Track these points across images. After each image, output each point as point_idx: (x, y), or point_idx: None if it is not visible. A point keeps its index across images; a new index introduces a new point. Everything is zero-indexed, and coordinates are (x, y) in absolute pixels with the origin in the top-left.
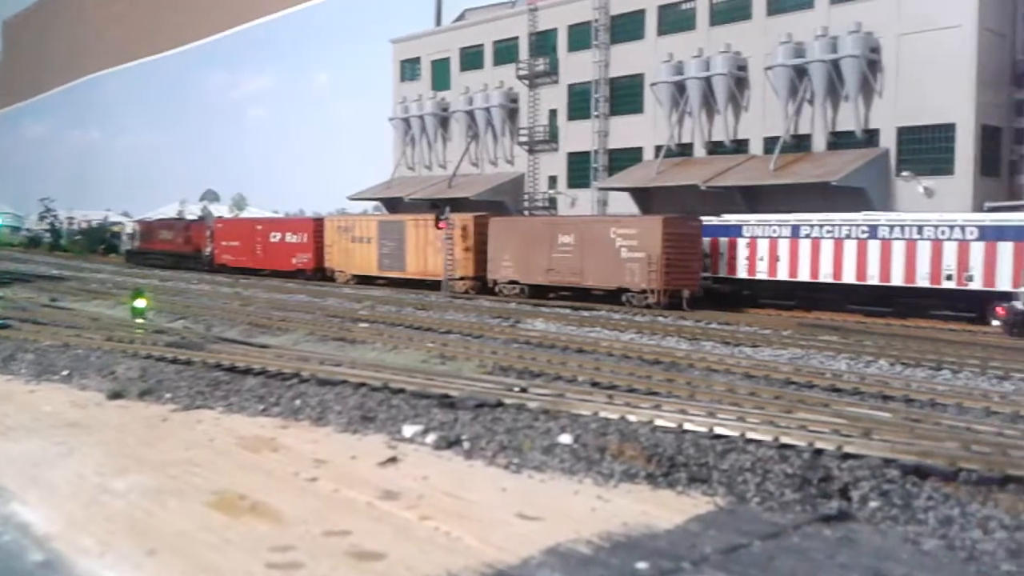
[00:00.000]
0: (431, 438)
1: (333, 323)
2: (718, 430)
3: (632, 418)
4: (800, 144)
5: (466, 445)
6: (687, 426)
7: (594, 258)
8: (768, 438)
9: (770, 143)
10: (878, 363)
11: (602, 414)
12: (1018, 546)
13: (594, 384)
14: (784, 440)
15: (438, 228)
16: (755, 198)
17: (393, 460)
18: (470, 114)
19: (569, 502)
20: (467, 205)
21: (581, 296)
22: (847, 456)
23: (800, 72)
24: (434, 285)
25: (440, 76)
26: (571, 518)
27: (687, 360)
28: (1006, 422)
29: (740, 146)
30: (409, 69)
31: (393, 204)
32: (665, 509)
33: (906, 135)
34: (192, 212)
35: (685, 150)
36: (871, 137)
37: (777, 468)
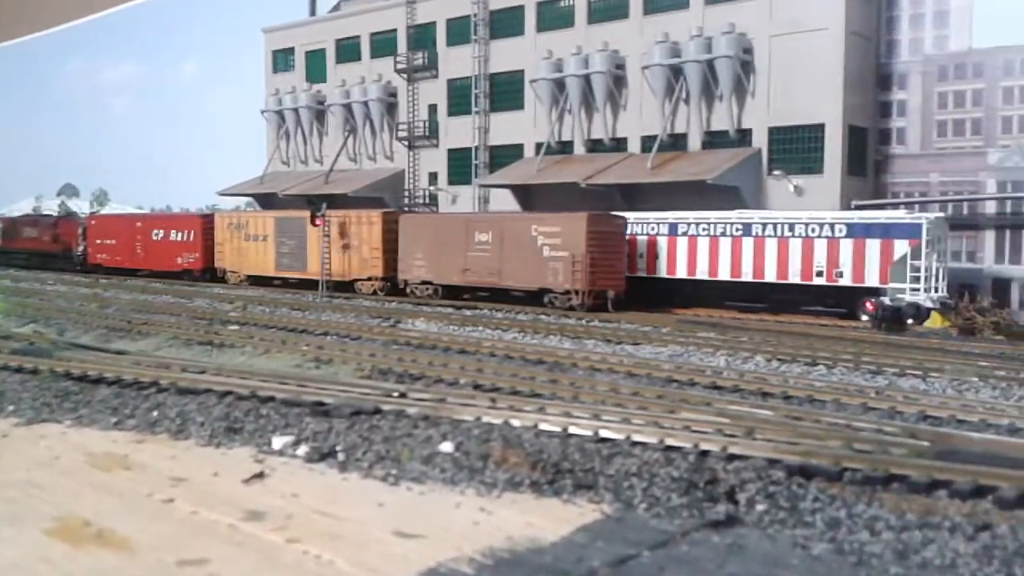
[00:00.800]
0: (303, 450)
1: (200, 326)
2: (603, 433)
3: (516, 423)
4: (677, 143)
5: (341, 457)
6: (572, 430)
7: (514, 257)
8: (654, 440)
9: (648, 142)
10: (755, 359)
11: (485, 419)
12: (905, 547)
13: (476, 387)
14: (669, 442)
15: (314, 225)
16: (634, 196)
17: (260, 476)
18: (347, 108)
19: (450, 516)
20: (345, 202)
21: (500, 297)
22: (732, 457)
23: (676, 72)
24: (340, 287)
25: (315, 68)
26: (452, 534)
27: (570, 360)
28: (884, 418)
29: (619, 144)
30: (282, 60)
31: (267, 200)
32: (551, 520)
33: (777, 135)
34: (49, 208)
35: (566, 147)
36: (744, 137)
37: (663, 472)
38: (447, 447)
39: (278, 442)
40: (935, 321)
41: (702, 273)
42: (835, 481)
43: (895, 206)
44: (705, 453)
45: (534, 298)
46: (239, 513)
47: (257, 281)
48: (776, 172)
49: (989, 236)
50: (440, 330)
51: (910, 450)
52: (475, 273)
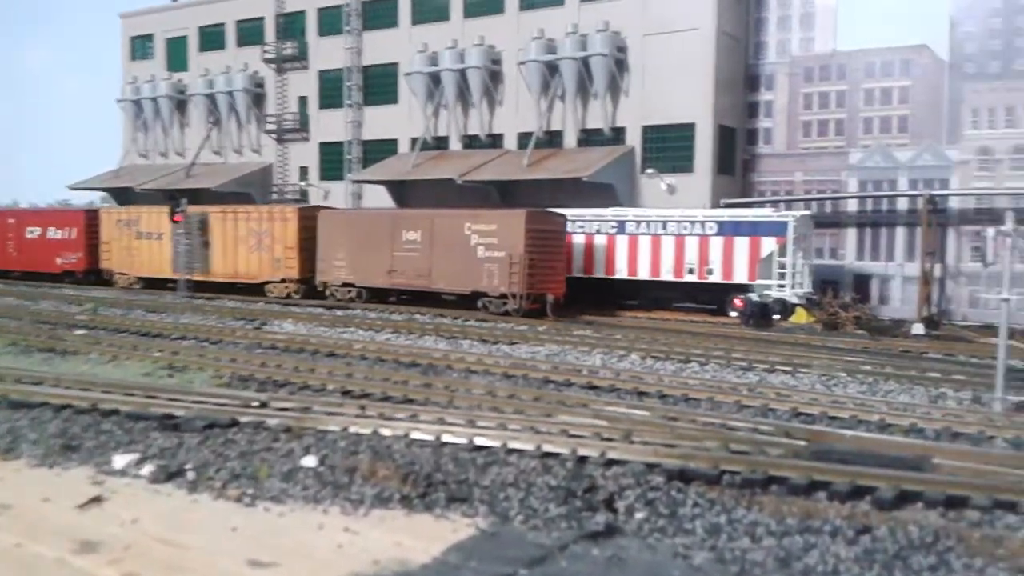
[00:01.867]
0: (147, 469)
1: (43, 330)
2: (478, 441)
3: (386, 432)
4: (553, 140)
5: (190, 476)
6: (446, 438)
7: (445, 257)
8: (530, 447)
9: (524, 138)
10: (630, 357)
11: (353, 429)
12: (787, 554)
13: (345, 393)
14: (547, 448)
15: (174, 222)
16: (510, 193)
17: (97, 500)
18: (211, 98)
19: (312, 539)
20: (208, 196)
21: (430, 301)
22: (611, 462)
23: (552, 68)
24: (250, 290)
25: (176, 56)
26: (313, 560)
27: (445, 361)
28: (758, 416)
29: (496, 141)
30: (140, 47)
31: (123, 195)
32: (422, 538)
33: (650, 134)
34: None
35: (441, 143)
36: (619, 135)
37: (541, 480)
38: (310, 461)
39: (120, 461)
40: (800, 316)
41: (578, 271)
42: (714, 484)
43: (762, 204)
44: (583, 459)
45: (467, 302)
46: (70, 544)
47: (152, 284)
48: (649, 170)
49: (851, 234)
50: (309, 332)
51: (787, 450)
52: (402, 275)
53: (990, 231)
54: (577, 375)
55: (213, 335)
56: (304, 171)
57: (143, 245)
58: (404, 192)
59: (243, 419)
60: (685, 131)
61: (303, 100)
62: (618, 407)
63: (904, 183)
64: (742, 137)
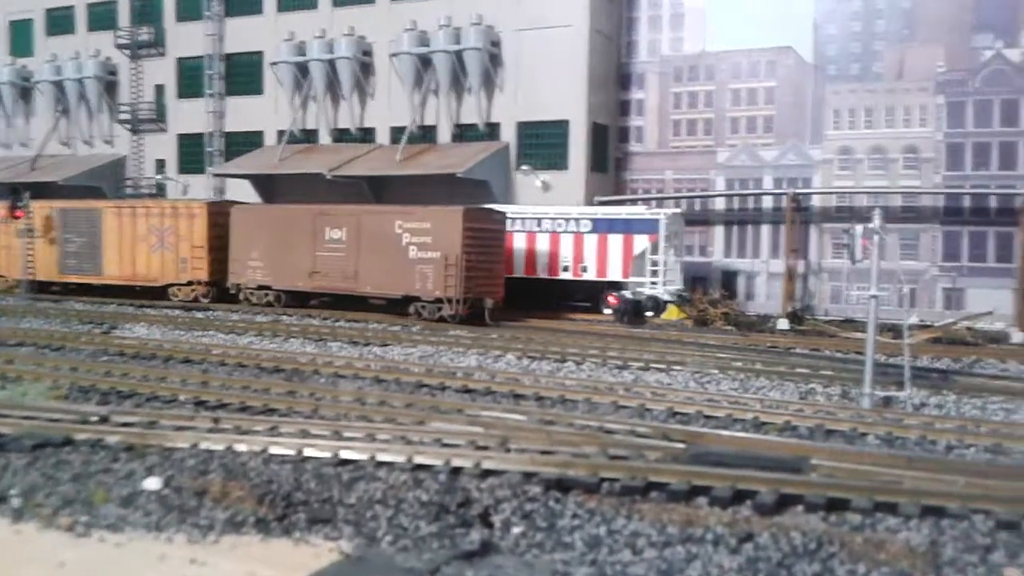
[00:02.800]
0: None
1: None
2: (344, 454)
3: (242, 448)
4: (427, 135)
5: (15, 503)
6: (308, 452)
7: (374, 258)
8: (401, 459)
9: (397, 133)
10: (506, 358)
11: (204, 445)
12: (669, 566)
13: (199, 404)
14: (419, 459)
15: (14, 217)
16: (382, 188)
17: None
18: (58, 85)
19: (151, 573)
20: (54, 190)
21: (357, 305)
22: (486, 473)
23: (425, 61)
24: (149, 293)
25: (21, 39)
26: None
27: (312, 366)
28: (635, 417)
29: (367, 134)
30: None
31: None
32: (278, 567)
33: (525, 130)
34: None
35: (310, 136)
36: (494, 131)
37: (412, 496)
38: (153, 483)
39: None
40: (672, 313)
41: None
42: (593, 493)
43: (634, 202)
44: (457, 470)
45: (398, 307)
46: None
47: (35, 287)
48: (524, 167)
49: (719, 231)
50: (164, 336)
51: (666, 453)
52: (326, 277)
53: (858, 228)
54: (452, 378)
55: (55, 341)
56: (161, 164)
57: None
58: (271, 187)
59: (79, 436)
60: (559, 128)
61: (160, 89)
62: (494, 411)
63: (769, 182)
64: (615, 135)
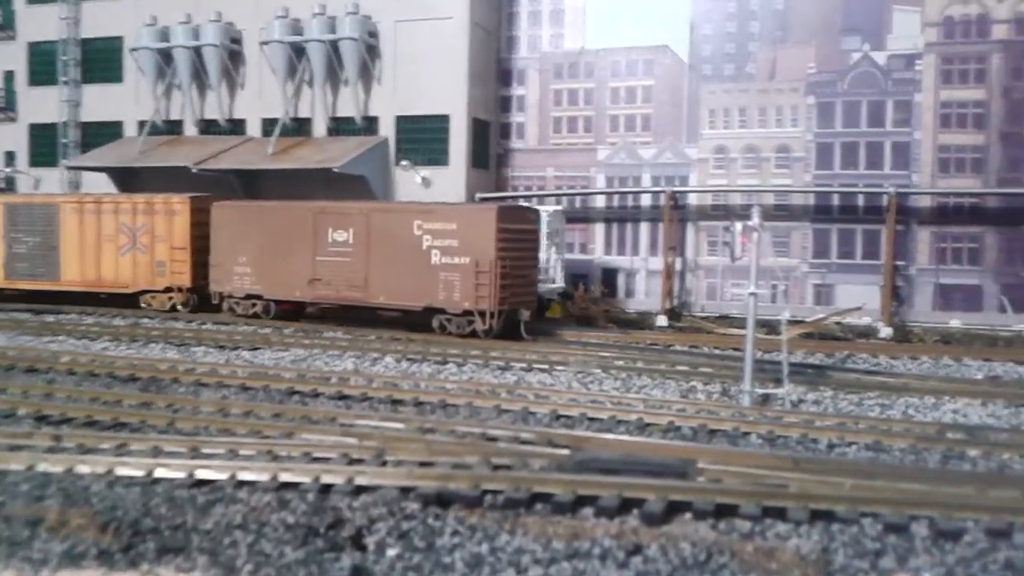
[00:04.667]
0: None
1: None
2: (201, 474)
3: (84, 469)
4: (301, 128)
5: None
6: (160, 472)
7: (387, 264)
8: (265, 477)
9: (269, 125)
10: (385, 360)
11: (42, 467)
12: None
13: (40, 419)
14: (285, 477)
15: None
16: (254, 183)
17: None
18: None
19: None
20: None
21: (366, 318)
22: (360, 490)
23: (299, 51)
24: (118, 301)
25: None
26: None
27: (172, 374)
28: (518, 421)
29: (236, 126)
30: None
31: None
32: None
33: (404, 124)
34: None
35: (174, 127)
36: (372, 124)
37: (276, 519)
38: None
39: None
40: (554, 311)
41: None
42: (475, 507)
43: (515, 199)
44: (328, 488)
45: (416, 320)
46: None
47: None
48: (404, 162)
49: (599, 229)
50: (9, 342)
51: (550, 461)
52: (328, 285)
53: (738, 226)
54: (326, 384)
55: None
56: (11, 156)
57: None
58: (131, 181)
59: None
60: (439, 123)
61: (9, 75)
62: (370, 420)
63: (648, 180)
64: (496, 131)
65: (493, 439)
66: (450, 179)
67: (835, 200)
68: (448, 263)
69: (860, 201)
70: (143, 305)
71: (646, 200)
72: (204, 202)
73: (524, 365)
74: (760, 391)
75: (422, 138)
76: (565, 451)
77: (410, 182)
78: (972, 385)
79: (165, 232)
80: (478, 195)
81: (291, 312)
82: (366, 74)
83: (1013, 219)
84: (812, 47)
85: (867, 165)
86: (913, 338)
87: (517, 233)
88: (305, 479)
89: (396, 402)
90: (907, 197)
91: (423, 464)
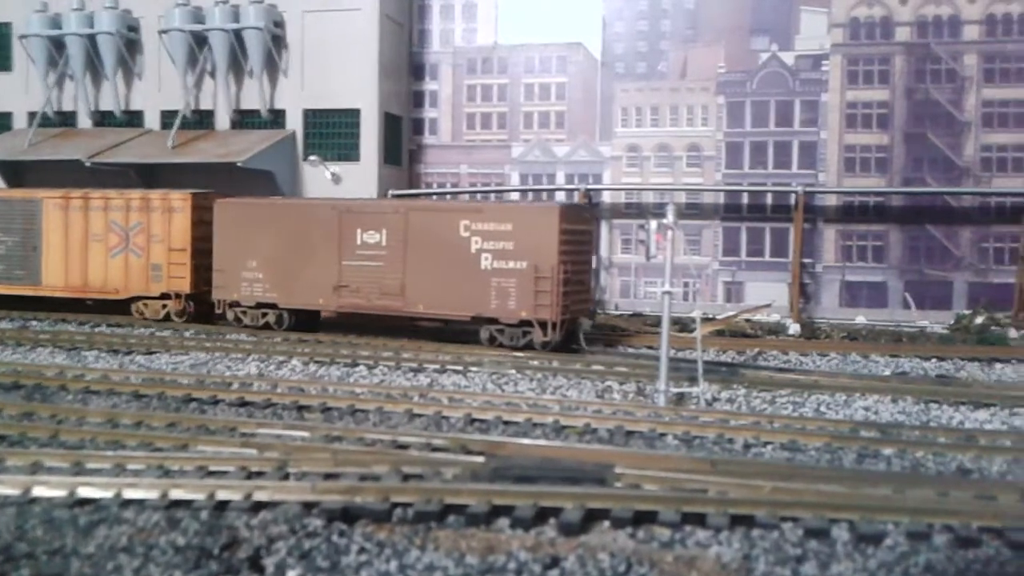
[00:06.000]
0: None
1: None
2: (84, 492)
3: None
4: (203, 120)
5: None
6: (37, 491)
7: (428, 269)
8: (154, 495)
9: (169, 117)
10: (291, 363)
11: None
12: None
13: None
14: (176, 495)
15: None
16: (153, 177)
17: None
18: None
19: None
20: None
21: (401, 330)
22: (258, 506)
23: (200, 40)
24: (107, 308)
25: None
26: None
27: (59, 381)
28: (431, 426)
29: (134, 118)
30: None
31: None
32: None
33: (313, 118)
34: None
35: (67, 119)
36: (278, 117)
37: (165, 541)
38: None
39: None
40: None
41: None
42: (384, 522)
43: (428, 196)
44: (224, 504)
45: (460, 331)
46: None
47: None
48: (312, 157)
49: None
50: None
51: (464, 469)
52: (357, 293)
53: (653, 224)
54: (226, 390)
55: None
56: None
57: None
58: (20, 174)
59: None
60: (350, 117)
61: None
62: (273, 429)
63: (562, 177)
64: (408, 127)
65: (404, 447)
66: (361, 175)
67: (744, 199)
68: (502, 268)
69: (769, 200)
70: (135, 313)
71: (561, 198)
72: (207, 199)
73: (437, 367)
74: (675, 390)
75: (332, 133)
76: (480, 458)
77: (319, 178)
78: (881, 382)
79: (162, 232)
80: (390, 191)
81: (305, 322)
82: (272, 65)
83: (916, 218)
84: (722, 47)
85: (775, 164)
86: (820, 334)
87: (577, 235)
88: (199, 496)
89: (302, 408)
90: (814, 196)
91: (328, 476)
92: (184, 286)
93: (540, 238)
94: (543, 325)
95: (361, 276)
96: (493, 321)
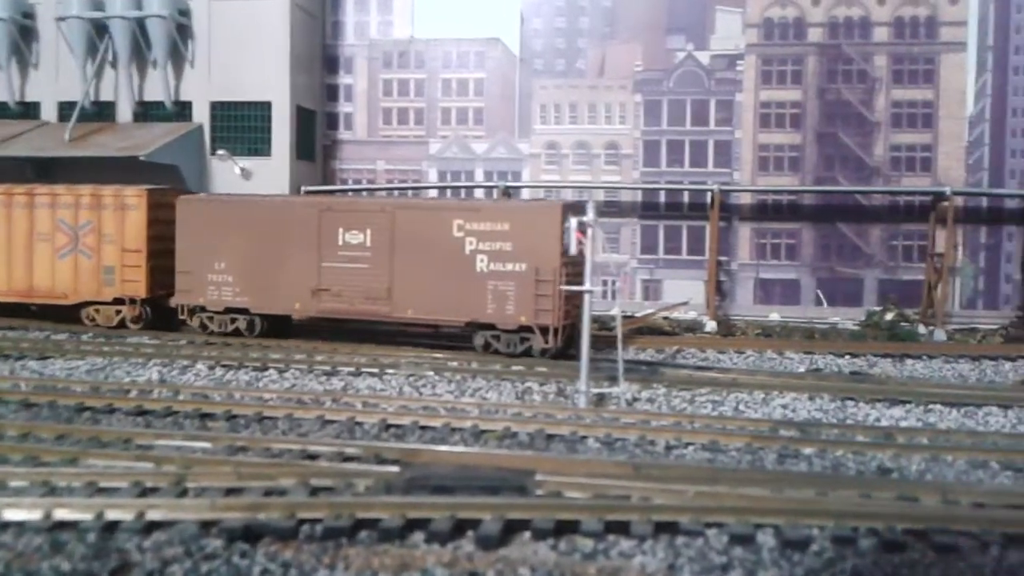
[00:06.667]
0: None
1: None
2: None
3: None
4: (103, 112)
5: None
6: None
7: (417, 271)
8: (36, 516)
9: (67, 109)
10: (196, 368)
11: None
12: None
13: None
14: (61, 515)
15: None
16: (50, 172)
17: None
18: None
19: None
20: None
21: (386, 334)
22: (152, 526)
23: (100, 28)
24: (54, 314)
25: None
26: None
27: None
28: (344, 434)
29: (29, 109)
30: None
31: None
32: None
33: (221, 111)
34: None
35: None
36: (184, 110)
37: (48, 566)
38: None
39: None
40: None
41: None
42: (290, 540)
43: (344, 192)
44: (115, 525)
45: (451, 337)
46: None
47: None
48: (220, 152)
49: None
50: None
51: (378, 480)
52: (339, 297)
53: (573, 221)
54: (124, 398)
55: None
56: None
57: None
58: None
59: None
60: (260, 110)
61: None
62: (173, 440)
63: (480, 175)
64: (322, 121)
65: (314, 457)
66: (273, 171)
67: (662, 197)
68: (499, 270)
69: (685, 198)
70: (85, 320)
71: (480, 195)
72: (164, 196)
73: (352, 369)
74: (596, 390)
75: (241, 126)
76: (394, 468)
77: (228, 173)
78: (797, 379)
79: (115, 231)
80: (303, 188)
81: (275, 328)
82: (177, 56)
83: (828, 216)
84: (639, 45)
85: (692, 163)
86: (737, 332)
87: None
88: (86, 516)
89: (205, 416)
90: (729, 194)
91: (230, 491)
92: (139, 290)
93: (540, 239)
94: (544, 331)
95: (343, 279)
96: (489, 327)
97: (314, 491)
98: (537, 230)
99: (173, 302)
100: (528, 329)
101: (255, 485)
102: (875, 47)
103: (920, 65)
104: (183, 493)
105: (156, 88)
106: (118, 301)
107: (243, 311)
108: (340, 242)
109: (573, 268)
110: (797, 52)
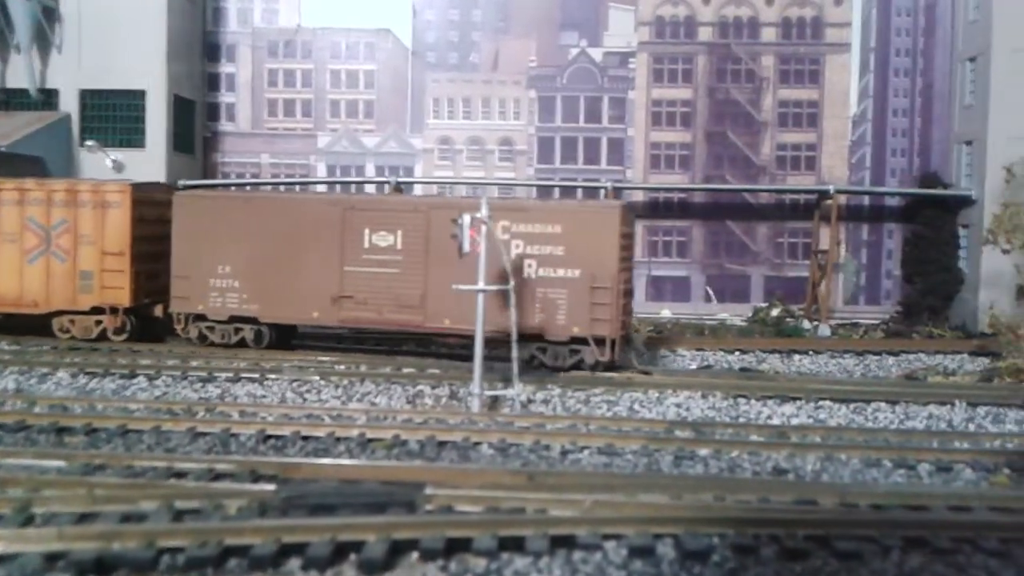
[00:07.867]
0: None
1: None
2: None
3: None
4: None
5: None
6: None
7: (455, 278)
8: None
9: None
10: (57, 376)
11: None
12: None
13: None
14: None
15: None
16: None
17: None
18: None
19: None
20: None
21: (420, 346)
22: None
23: None
24: (23, 325)
25: None
26: None
27: None
28: (216, 447)
29: None
30: None
31: None
32: None
33: (91, 99)
34: None
35: None
36: (50, 98)
37: None
38: None
39: None
40: None
41: None
42: (147, 573)
43: (226, 187)
44: None
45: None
46: None
47: None
48: (90, 143)
49: None
50: None
51: (252, 500)
52: (364, 305)
53: (466, 218)
54: None
55: None
56: None
57: None
58: None
59: None
60: (134, 99)
61: None
62: (21, 458)
63: (372, 170)
64: (203, 112)
65: (181, 475)
66: (147, 163)
67: (556, 194)
68: (549, 277)
69: (579, 195)
70: (58, 331)
71: (370, 190)
72: (151, 192)
73: (231, 375)
74: (489, 393)
75: (113, 116)
76: (271, 486)
77: (99, 165)
78: (690, 377)
79: (94, 232)
80: (181, 182)
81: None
82: (43, 40)
83: (717, 214)
84: (533, 40)
85: (585, 160)
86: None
87: (628, 238)
88: None
89: (62, 431)
90: (622, 192)
91: (83, 518)
92: (122, 298)
93: (597, 242)
94: (600, 342)
95: (369, 285)
96: (536, 338)
97: (178, 515)
98: (592, 233)
99: (171, 310)
100: (580, 340)
101: (111, 510)
102: (763, 47)
103: (806, 65)
104: (28, 520)
105: (20, 74)
106: (97, 310)
107: (250, 320)
108: (366, 244)
109: (627, 273)
110: (688, 51)
